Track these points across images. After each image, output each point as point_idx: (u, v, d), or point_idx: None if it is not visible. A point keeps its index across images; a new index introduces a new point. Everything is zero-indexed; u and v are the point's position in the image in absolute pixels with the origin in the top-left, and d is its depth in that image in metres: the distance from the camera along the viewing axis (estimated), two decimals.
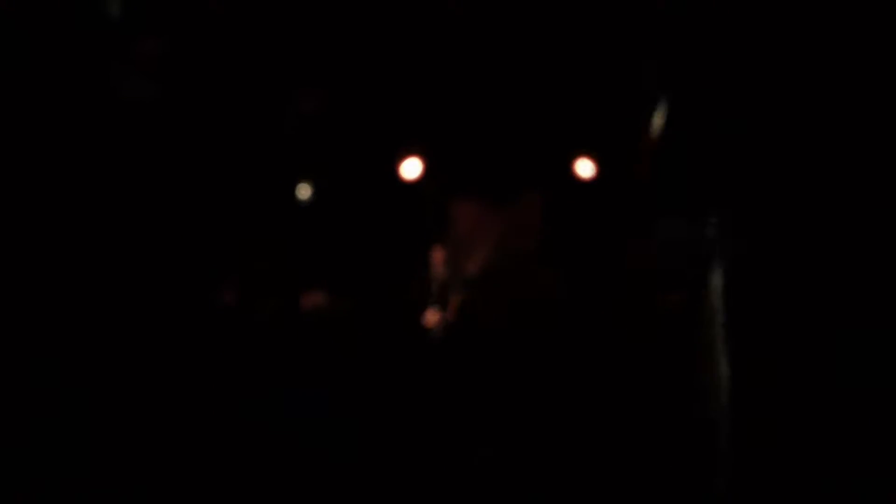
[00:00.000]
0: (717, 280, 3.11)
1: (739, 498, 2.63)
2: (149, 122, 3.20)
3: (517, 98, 3.82)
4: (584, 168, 3.68)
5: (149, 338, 3.10)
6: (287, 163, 3.51)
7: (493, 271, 3.52)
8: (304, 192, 3.52)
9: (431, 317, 3.43)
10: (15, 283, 2.97)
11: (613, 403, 2.92)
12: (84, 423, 2.68)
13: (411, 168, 3.59)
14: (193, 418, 2.86)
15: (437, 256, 3.53)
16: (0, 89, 2.94)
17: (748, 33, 3.39)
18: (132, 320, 3.18)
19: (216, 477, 2.68)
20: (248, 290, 3.47)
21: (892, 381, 2.76)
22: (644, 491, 2.65)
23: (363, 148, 3.71)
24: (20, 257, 3.05)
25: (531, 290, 3.47)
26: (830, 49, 3.19)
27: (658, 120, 3.54)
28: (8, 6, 2.87)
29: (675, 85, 3.62)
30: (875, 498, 2.51)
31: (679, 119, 3.60)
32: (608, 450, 2.79)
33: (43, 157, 3.11)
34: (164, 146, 3.20)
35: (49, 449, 2.60)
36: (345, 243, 3.82)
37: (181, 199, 3.27)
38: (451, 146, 3.75)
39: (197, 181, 3.31)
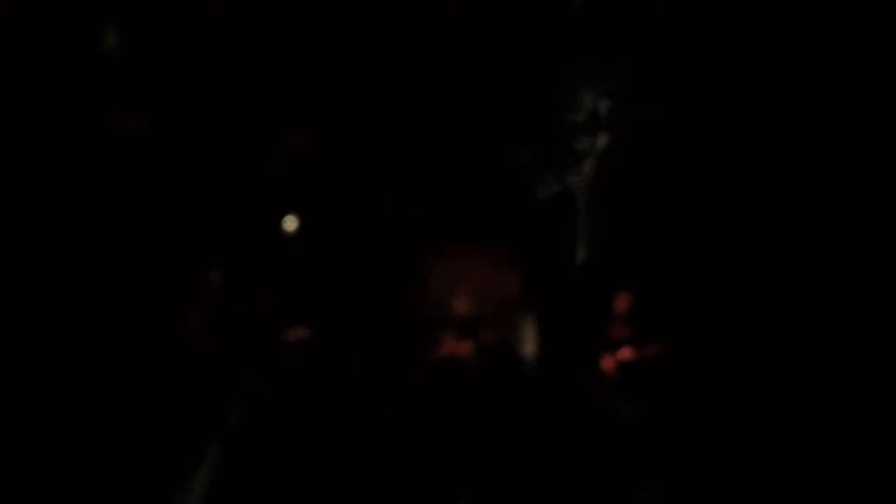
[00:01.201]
0: None
1: None
2: (140, 155, 3.27)
3: (501, 144, 4.04)
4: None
5: (126, 380, 3.08)
6: (274, 195, 3.58)
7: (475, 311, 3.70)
8: (290, 224, 3.56)
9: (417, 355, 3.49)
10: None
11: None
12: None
13: (399, 204, 3.79)
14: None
15: (424, 295, 3.62)
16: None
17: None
18: (115, 354, 3.17)
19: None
20: (232, 321, 3.46)
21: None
22: None
23: (350, 182, 3.80)
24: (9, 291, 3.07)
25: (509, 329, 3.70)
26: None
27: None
28: (4, 35, 2.96)
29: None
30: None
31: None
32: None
33: (35, 190, 3.17)
34: (154, 177, 3.26)
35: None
36: (331, 277, 3.86)
37: (170, 229, 3.32)
38: (435, 188, 3.94)
39: (185, 212, 3.36)
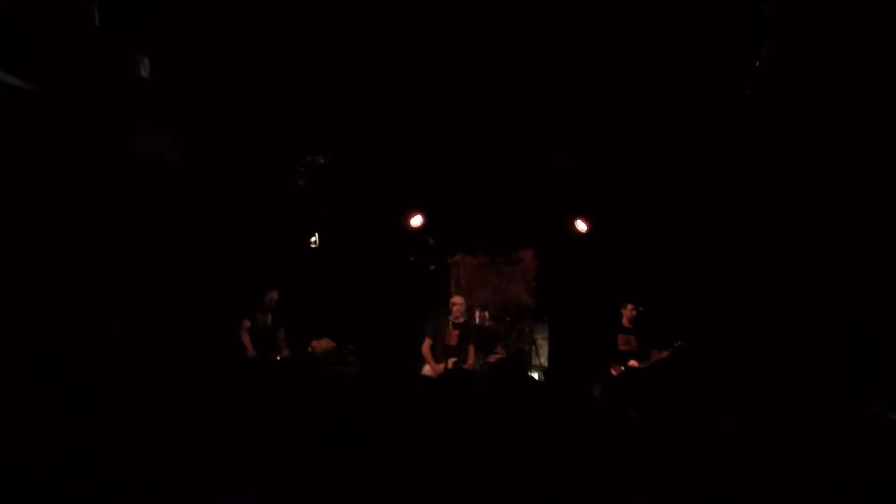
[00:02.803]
0: None
1: None
2: (173, 178, 3.41)
3: (510, 167, 4.25)
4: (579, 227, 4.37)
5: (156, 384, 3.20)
6: (300, 213, 3.70)
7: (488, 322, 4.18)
8: (314, 239, 3.69)
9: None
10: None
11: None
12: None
13: (415, 221, 3.96)
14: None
15: (456, 299, 4.09)
16: (32, 148, 3.17)
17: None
18: (150, 369, 3.29)
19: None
20: (259, 333, 3.58)
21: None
22: None
23: (371, 201, 3.91)
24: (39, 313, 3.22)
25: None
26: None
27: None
28: (43, 65, 3.08)
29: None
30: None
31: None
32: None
33: (73, 215, 3.33)
34: (186, 198, 3.41)
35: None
36: (353, 290, 3.97)
37: (200, 246, 3.45)
38: (450, 210, 4.18)
39: (215, 233, 3.50)
